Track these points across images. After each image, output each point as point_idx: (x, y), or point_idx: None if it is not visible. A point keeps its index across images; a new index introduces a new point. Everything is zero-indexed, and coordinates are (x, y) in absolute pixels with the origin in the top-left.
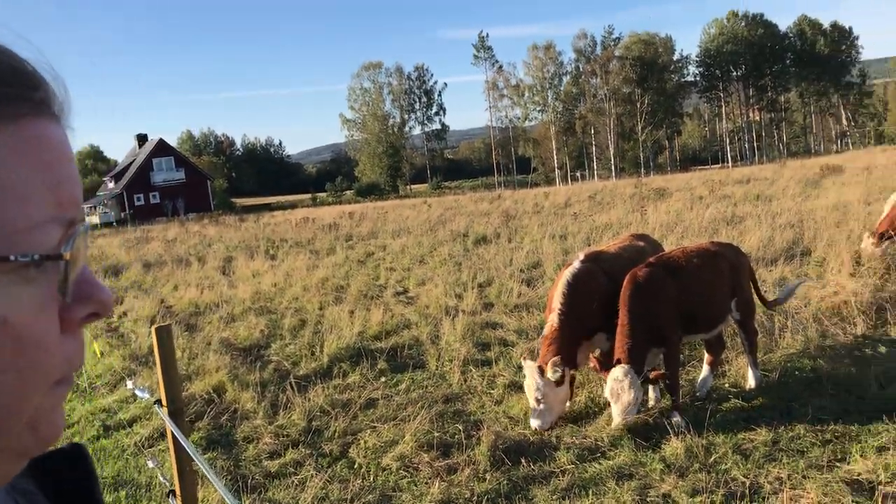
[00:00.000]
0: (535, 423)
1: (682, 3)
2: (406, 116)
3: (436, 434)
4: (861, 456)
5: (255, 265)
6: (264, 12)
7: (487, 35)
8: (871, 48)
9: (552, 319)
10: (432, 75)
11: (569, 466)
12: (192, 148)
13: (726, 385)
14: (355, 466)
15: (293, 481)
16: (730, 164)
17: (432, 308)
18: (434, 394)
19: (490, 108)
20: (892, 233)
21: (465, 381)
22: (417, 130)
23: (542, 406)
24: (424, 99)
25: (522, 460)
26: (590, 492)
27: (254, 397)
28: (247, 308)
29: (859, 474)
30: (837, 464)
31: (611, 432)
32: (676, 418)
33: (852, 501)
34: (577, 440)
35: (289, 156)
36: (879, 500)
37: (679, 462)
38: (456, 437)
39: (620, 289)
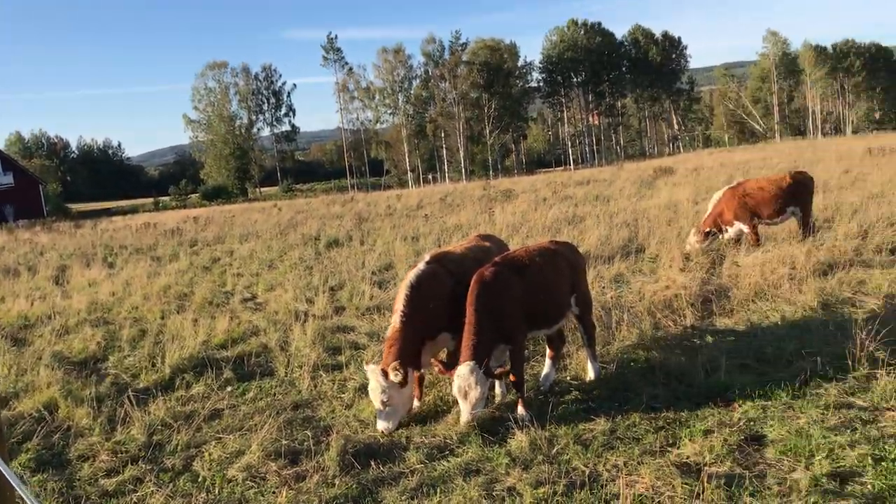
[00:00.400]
0: (381, 425)
1: (525, 10)
2: (254, 118)
3: (284, 442)
4: (689, 440)
5: (92, 274)
6: (93, 8)
7: (336, 36)
8: (698, 57)
9: (394, 321)
10: (280, 76)
11: (418, 466)
12: (22, 150)
13: (568, 378)
14: (199, 480)
15: (132, 499)
16: (572, 166)
17: (282, 314)
18: (283, 401)
19: (341, 110)
20: (716, 230)
21: (316, 386)
22: (266, 132)
23: (387, 408)
24: (273, 100)
25: (372, 463)
26: (438, 490)
27: (89, 413)
28: (82, 319)
29: (688, 457)
30: (669, 448)
31: (459, 430)
32: (521, 412)
33: (682, 483)
34: (426, 439)
35: (129, 158)
36: (705, 480)
37: (524, 455)
38: (305, 443)
39: (466, 289)
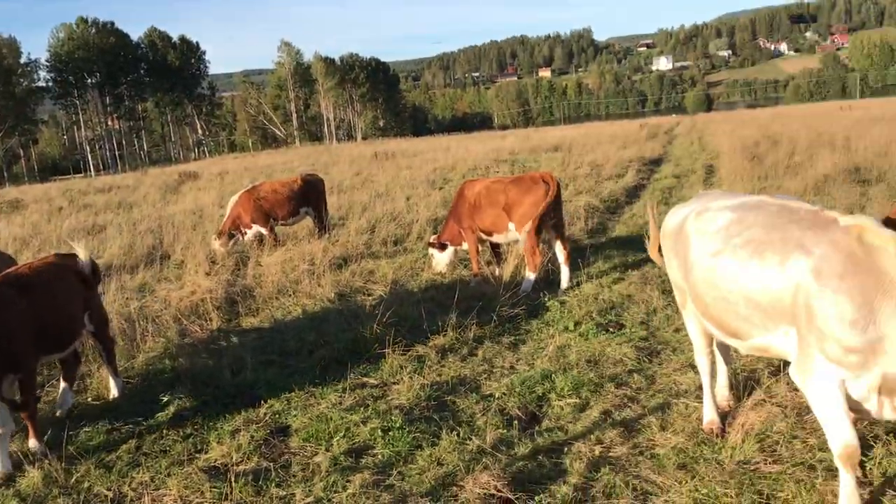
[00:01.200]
0: None
1: (29, 3)
2: None
3: None
4: (217, 443)
5: None
6: None
7: None
8: (218, 63)
9: None
10: None
11: None
12: None
13: (89, 399)
14: None
15: None
16: (93, 172)
17: None
18: None
19: None
20: (236, 232)
21: None
22: None
23: None
24: None
25: None
26: None
27: None
28: None
29: (216, 460)
30: (198, 455)
31: None
32: (34, 445)
33: (210, 488)
34: None
35: None
36: (232, 479)
37: (37, 492)
38: None
39: None
